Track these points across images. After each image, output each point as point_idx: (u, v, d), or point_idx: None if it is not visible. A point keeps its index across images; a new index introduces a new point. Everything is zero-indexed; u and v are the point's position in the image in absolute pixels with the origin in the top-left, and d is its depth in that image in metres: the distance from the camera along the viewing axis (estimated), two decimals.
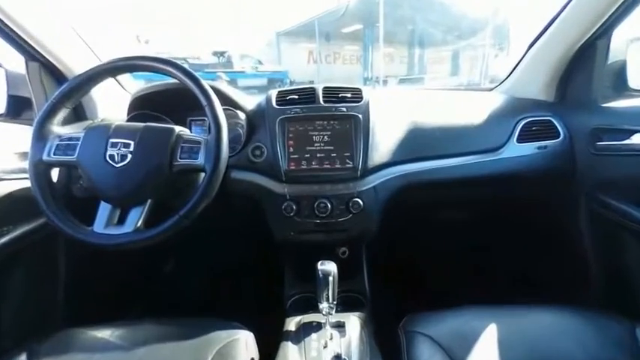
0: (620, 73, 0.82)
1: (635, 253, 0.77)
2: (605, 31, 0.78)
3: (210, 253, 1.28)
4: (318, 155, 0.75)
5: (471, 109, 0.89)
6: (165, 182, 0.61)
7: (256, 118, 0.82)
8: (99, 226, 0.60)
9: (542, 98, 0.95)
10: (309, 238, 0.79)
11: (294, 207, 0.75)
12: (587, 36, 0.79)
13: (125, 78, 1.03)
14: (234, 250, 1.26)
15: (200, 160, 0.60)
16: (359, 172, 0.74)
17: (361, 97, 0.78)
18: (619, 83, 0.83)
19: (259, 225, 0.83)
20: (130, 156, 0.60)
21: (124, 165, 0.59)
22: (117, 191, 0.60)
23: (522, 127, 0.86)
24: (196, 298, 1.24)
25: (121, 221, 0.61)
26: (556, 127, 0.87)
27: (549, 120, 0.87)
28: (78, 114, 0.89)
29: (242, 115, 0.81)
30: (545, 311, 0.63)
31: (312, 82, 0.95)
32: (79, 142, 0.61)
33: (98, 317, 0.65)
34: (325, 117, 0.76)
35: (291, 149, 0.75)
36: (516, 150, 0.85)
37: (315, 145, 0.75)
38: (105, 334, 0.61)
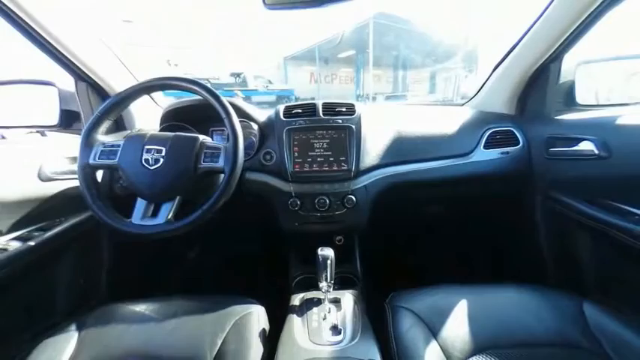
0: (569, 91, 0.82)
1: (582, 240, 0.77)
2: (557, 56, 0.77)
3: (228, 241, 1.27)
4: (319, 159, 0.75)
5: (446, 121, 0.89)
6: (191, 182, 0.61)
7: (267, 128, 0.82)
8: (136, 218, 0.60)
9: (504, 112, 0.94)
10: (311, 228, 0.79)
11: (299, 202, 0.75)
12: (542, 60, 0.79)
13: (158, 95, 1.03)
14: (248, 238, 1.26)
15: (220, 163, 0.60)
16: (352, 173, 0.74)
17: (354, 111, 0.78)
18: (569, 99, 0.82)
19: (269, 217, 0.83)
20: (162, 160, 0.60)
21: (157, 167, 0.59)
22: (151, 189, 0.60)
23: (488, 135, 0.86)
24: (217, 278, 1.23)
25: (155, 214, 0.61)
26: (516, 136, 0.86)
27: (511, 130, 0.87)
28: (118, 125, 0.89)
29: (255, 126, 0.81)
30: (509, 289, 0.62)
31: (313, 98, 0.95)
32: (120, 149, 0.61)
33: (136, 295, 0.65)
34: (324, 127, 0.76)
35: (296, 154, 0.75)
36: (483, 155, 0.84)
37: (316, 150, 0.75)
38: (141, 307, 0.61)
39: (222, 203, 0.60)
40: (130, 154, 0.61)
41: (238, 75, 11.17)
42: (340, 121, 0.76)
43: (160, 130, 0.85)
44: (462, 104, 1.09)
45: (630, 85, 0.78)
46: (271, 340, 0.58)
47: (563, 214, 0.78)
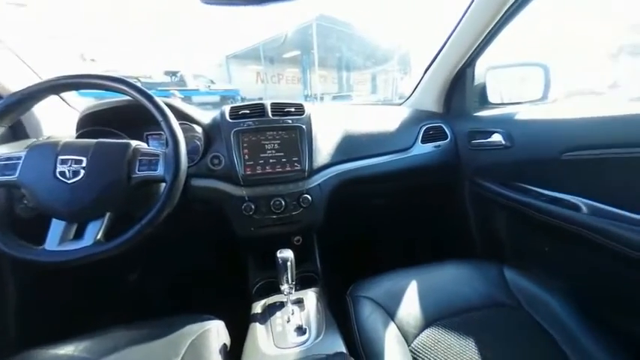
0: (483, 91, 0.97)
1: (499, 217, 0.92)
2: (470, 62, 0.91)
3: (177, 256, 1.16)
4: (271, 161, 0.73)
5: (387, 120, 0.97)
6: (124, 194, 0.53)
7: (212, 131, 0.76)
8: (52, 243, 0.50)
9: (435, 110, 1.07)
10: (268, 231, 0.77)
11: (253, 206, 0.72)
12: (460, 65, 0.92)
13: (71, 96, 0.87)
14: (199, 250, 1.17)
15: (160, 171, 0.54)
16: (306, 173, 0.75)
17: (303, 111, 0.78)
18: (482, 99, 0.98)
19: (221, 225, 0.78)
20: (82, 172, 0.51)
21: (77, 181, 0.50)
22: (71, 207, 0.50)
23: (424, 131, 0.96)
24: (167, 298, 1.11)
25: (79, 236, 0.51)
26: (445, 131, 0.99)
27: (441, 126, 0.99)
28: (16, 133, 0.73)
29: (198, 129, 0.75)
30: (448, 265, 0.70)
31: (261, 98, 0.92)
32: (20, 162, 0.50)
33: (60, 335, 0.54)
34: (274, 128, 0.74)
35: (247, 157, 0.72)
36: (421, 149, 0.94)
37: (268, 152, 0.73)
38: (68, 350, 0.51)
39: (166, 215, 0.54)
40: (37, 168, 0.50)
41: (174, 74, 10.19)
42: (290, 121, 0.75)
43: (78, 137, 0.72)
44: (400, 104, 1.19)
45: (522, 87, 0.96)
46: (234, 353, 0.55)
47: (485, 196, 0.92)
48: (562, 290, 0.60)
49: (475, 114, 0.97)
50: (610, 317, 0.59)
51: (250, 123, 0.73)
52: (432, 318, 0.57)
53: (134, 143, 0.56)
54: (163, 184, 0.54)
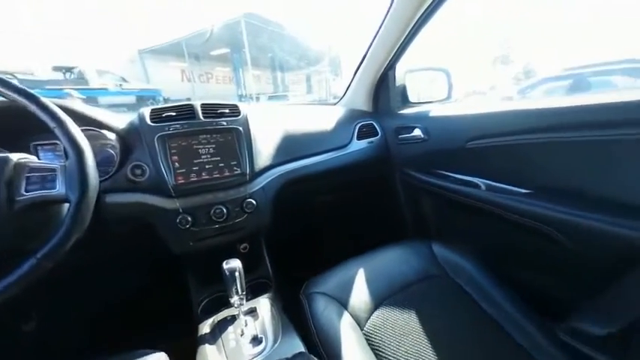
0: (404, 91, 1.10)
1: (425, 201, 1.07)
2: (391, 65, 1.01)
3: (96, 288, 0.96)
4: (207, 166, 0.68)
5: (325, 119, 1.00)
6: (5, 224, 0.41)
7: (130, 137, 0.66)
8: None
9: (365, 109, 1.16)
10: (210, 243, 0.71)
11: (190, 218, 0.65)
12: (383, 69, 1.02)
13: None
14: (126, 275, 1.00)
15: (59, 189, 0.43)
16: (248, 177, 0.71)
17: (239, 112, 0.75)
18: (404, 98, 1.11)
19: (151, 243, 0.68)
20: None
21: None
22: None
23: (358, 129, 1.03)
24: (88, 343, 0.92)
25: None
26: (376, 128, 1.08)
27: (372, 123, 1.08)
28: None
29: (111, 135, 0.63)
30: (388, 249, 0.77)
31: (189, 99, 0.83)
32: None
33: None
34: (208, 131, 0.69)
35: (177, 164, 0.65)
36: (357, 145, 1.01)
37: (203, 157, 0.67)
38: None
39: (74, 242, 0.44)
40: None
41: (69, 70, 8.40)
42: (225, 123, 0.71)
43: None
44: (335, 103, 1.25)
45: (432, 88, 1.13)
46: None
47: (413, 184, 1.05)
48: (475, 256, 0.73)
49: (399, 112, 1.09)
50: (512, 273, 0.74)
51: (178, 126, 0.66)
52: (379, 300, 0.62)
53: (16, 157, 0.44)
54: (66, 205, 0.44)
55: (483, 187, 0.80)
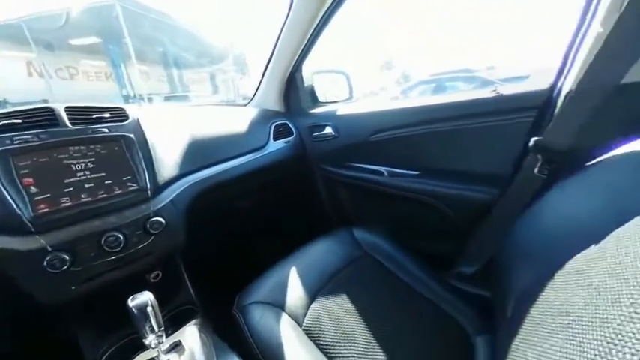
0: (313, 92, 1.16)
1: (343, 192, 1.16)
2: (297, 67, 1.05)
3: None
4: (87, 186, 0.53)
5: (237, 120, 0.95)
6: None
7: None
8: None
9: (278, 109, 1.16)
10: (105, 280, 0.56)
11: (67, 257, 0.49)
12: (289, 70, 1.04)
13: None
14: None
15: None
16: (149, 192, 0.60)
17: (125, 116, 0.62)
18: (314, 98, 1.17)
19: (8, 295, 0.49)
20: None
21: None
22: None
23: (274, 129, 1.03)
24: None
25: None
26: (290, 128, 1.10)
27: (286, 123, 1.09)
28: None
29: None
30: (315, 243, 0.80)
31: (46, 101, 0.62)
32: None
33: None
34: (81, 141, 0.54)
35: (34, 188, 0.48)
36: (274, 146, 1.00)
37: (79, 175, 0.52)
38: None
39: None
40: None
41: None
42: (107, 130, 0.57)
43: None
44: (245, 104, 1.20)
45: (334, 88, 1.23)
46: None
47: (331, 178, 1.12)
48: (388, 233, 0.84)
49: (311, 111, 1.15)
50: (415, 241, 0.90)
51: (29, 138, 0.49)
52: (314, 292, 0.64)
53: None
54: None
55: (386, 173, 0.94)
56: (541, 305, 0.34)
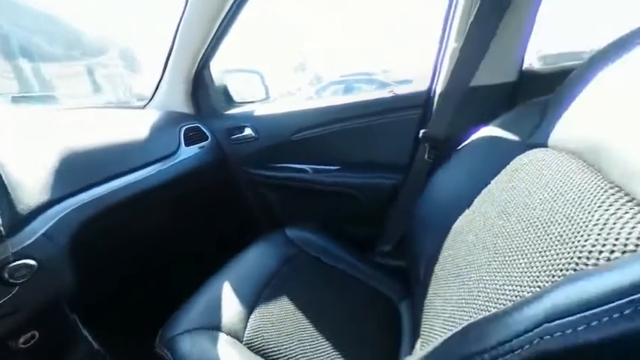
0: (226, 91, 1.09)
1: (271, 194, 1.14)
2: (204, 64, 0.97)
3: None
4: None
5: (133, 125, 0.80)
6: None
7: None
8: None
9: (187, 111, 1.04)
10: None
11: None
12: (195, 68, 0.95)
13: None
14: None
15: None
16: (3, 229, 0.44)
17: None
18: (229, 98, 1.10)
19: None
20: None
21: None
22: None
23: (184, 133, 0.92)
24: None
25: None
26: (204, 132, 1.01)
27: (198, 126, 0.99)
28: None
29: None
30: (247, 251, 0.75)
31: None
32: None
33: None
34: None
35: None
36: (187, 152, 0.90)
37: None
38: None
39: None
40: None
41: None
42: None
43: None
44: (144, 106, 1.03)
45: (250, 88, 1.20)
46: None
47: (256, 181, 1.09)
48: (319, 226, 0.88)
49: (226, 112, 1.07)
50: (343, 230, 0.97)
51: None
52: (251, 303, 0.61)
53: None
54: None
55: (310, 170, 0.98)
56: (440, 263, 0.43)
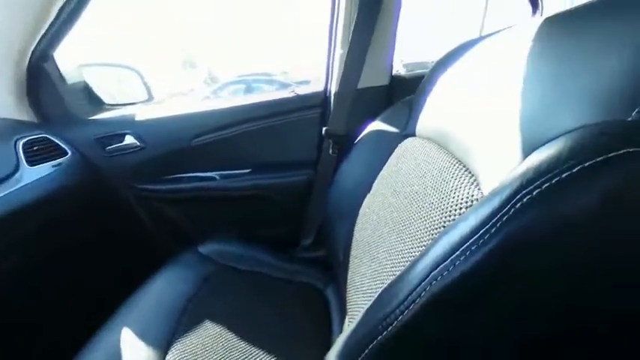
0: (89, 91, 0.85)
1: (173, 210, 0.96)
2: (43, 55, 0.73)
3: None
4: None
5: None
6: None
7: None
8: None
9: (24, 118, 0.76)
10: None
11: None
12: (27, 59, 0.71)
13: None
14: None
15: None
16: None
17: None
18: (94, 100, 0.86)
19: None
20: None
21: None
22: None
23: (23, 148, 0.66)
24: None
25: None
26: (59, 145, 0.76)
27: (46, 137, 0.74)
28: None
29: None
30: (154, 280, 0.64)
31: None
32: None
33: None
34: None
35: None
36: (34, 173, 0.65)
37: None
38: None
39: None
40: None
41: None
42: None
43: None
44: None
45: (124, 87, 0.99)
46: None
47: (151, 197, 0.91)
48: (235, 235, 0.83)
49: (93, 117, 0.85)
50: (260, 233, 0.93)
51: None
52: (168, 338, 0.52)
53: None
54: None
55: (218, 177, 0.90)
56: (354, 243, 0.49)
